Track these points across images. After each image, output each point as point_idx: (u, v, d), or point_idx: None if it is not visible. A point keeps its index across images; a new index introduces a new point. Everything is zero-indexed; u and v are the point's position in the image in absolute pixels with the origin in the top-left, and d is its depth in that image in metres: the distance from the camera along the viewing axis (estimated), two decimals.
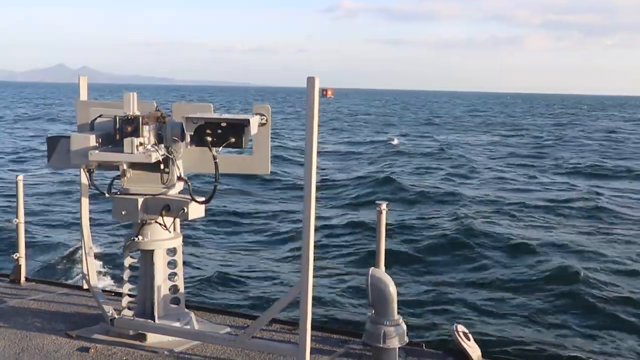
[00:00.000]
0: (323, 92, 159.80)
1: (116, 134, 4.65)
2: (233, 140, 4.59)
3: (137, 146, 4.52)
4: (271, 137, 5.10)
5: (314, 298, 4.50)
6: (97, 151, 4.61)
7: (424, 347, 5.05)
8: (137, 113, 4.67)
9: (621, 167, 32.60)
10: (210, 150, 4.62)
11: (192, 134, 4.61)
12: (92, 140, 4.65)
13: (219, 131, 4.59)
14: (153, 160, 4.59)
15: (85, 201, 5.55)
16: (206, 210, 5.12)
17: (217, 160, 4.67)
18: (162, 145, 4.77)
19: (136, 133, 4.56)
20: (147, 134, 4.64)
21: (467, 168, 31.05)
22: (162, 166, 4.82)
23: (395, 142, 43.81)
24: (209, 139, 4.58)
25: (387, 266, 4.94)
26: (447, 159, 34.60)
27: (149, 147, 4.63)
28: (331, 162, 32.93)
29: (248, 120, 4.54)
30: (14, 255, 6.72)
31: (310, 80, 4.16)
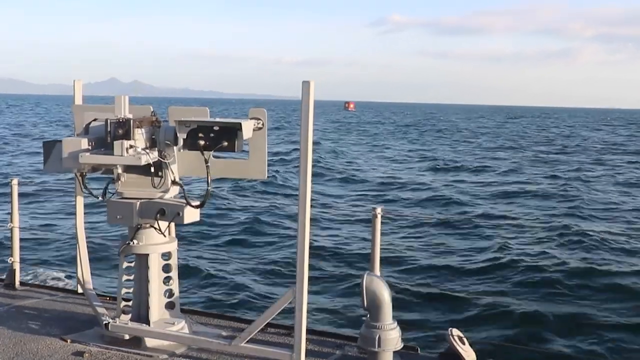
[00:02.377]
0: (346, 104, 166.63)
1: (107, 136, 4.65)
2: (226, 143, 4.59)
3: (127, 149, 4.52)
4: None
5: (308, 302, 4.51)
6: (87, 154, 4.61)
7: (418, 351, 5.06)
8: (129, 116, 4.67)
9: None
10: (203, 153, 4.62)
11: (185, 137, 4.61)
12: (84, 143, 4.64)
13: (212, 135, 4.59)
14: (143, 163, 4.57)
15: (80, 205, 5.54)
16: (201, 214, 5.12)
17: (209, 164, 4.68)
18: (155, 149, 4.77)
19: (127, 136, 4.56)
20: (139, 137, 4.64)
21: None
22: (153, 169, 4.80)
23: None
24: (202, 142, 4.58)
25: (382, 270, 4.94)
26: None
27: (139, 149, 4.63)
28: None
29: (240, 124, 4.55)
30: (9, 259, 6.70)
31: (306, 85, 4.17)
